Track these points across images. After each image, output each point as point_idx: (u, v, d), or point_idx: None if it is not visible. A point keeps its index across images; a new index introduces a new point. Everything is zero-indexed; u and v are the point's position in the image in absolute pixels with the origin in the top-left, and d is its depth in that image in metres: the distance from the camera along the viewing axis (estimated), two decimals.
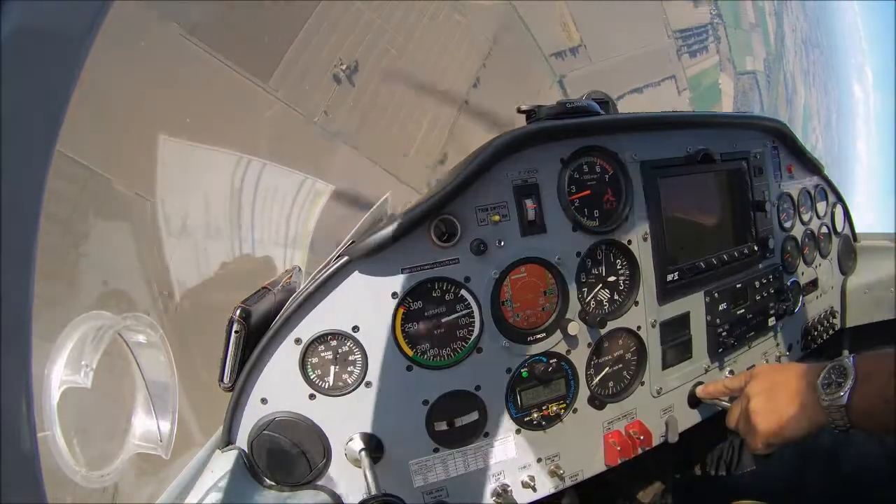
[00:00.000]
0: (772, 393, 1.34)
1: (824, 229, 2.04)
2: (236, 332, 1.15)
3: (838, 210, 2.13)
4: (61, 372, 0.88)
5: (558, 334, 1.34)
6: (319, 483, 1.21)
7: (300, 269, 1.41)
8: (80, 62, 0.70)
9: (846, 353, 1.19)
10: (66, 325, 0.95)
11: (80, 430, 0.98)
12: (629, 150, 1.45)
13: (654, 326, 1.50)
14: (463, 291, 1.25)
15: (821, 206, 2.04)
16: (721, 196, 1.66)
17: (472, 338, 1.27)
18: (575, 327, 1.31)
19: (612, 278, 1.44)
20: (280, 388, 1.17)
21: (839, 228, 2.12)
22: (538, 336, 1.33)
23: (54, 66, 0.62)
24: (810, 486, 1.50)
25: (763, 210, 1.72)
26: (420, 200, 1.20)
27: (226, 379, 1.17)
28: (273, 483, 1.18)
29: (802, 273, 1.92)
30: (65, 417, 0.94)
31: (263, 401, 1.16)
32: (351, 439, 1.19)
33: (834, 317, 2.06)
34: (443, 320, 1.24)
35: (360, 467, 1.16)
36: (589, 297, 1.40)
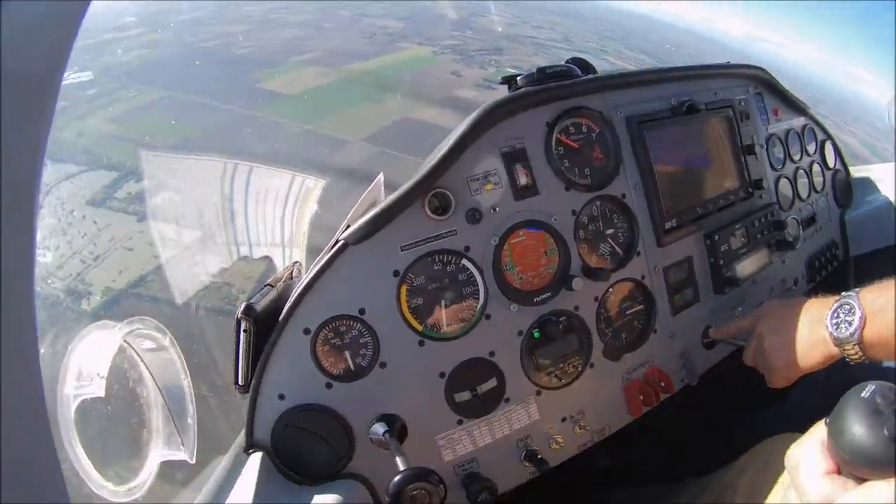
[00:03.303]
0: (783, 330, 1.35)
1: (816, 166, 2.05)
2: (244, 330, 1.14)
3: (828, 147, 2.14)
4: (74, 385, 0.88)
5: (564, 292, 1.35)
6: (349, 472, 1.20)
7: (300, 263, 1.41)
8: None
9: (852, 289, 1.21)
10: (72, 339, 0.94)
11: (101, 444, 0.97)
12: (613, 108, 1.46)
13: (657, 274, 1.50)
14: (464, 261, 1.25)
15: (810, 145, 2.05)
16: (710, 143, 1.67)
17: (479, 305, 1.27)
18: (579, 283, 1.31)
19: (610, 231, 1.44)
20: (295, 381, 1.16)
21: (831, 164, 2.13)
22: (544, 296, 1.33)
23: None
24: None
25: (753, 153, 1.73)
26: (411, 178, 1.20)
27: (240, 380, 1.17)
28: (302, 479, 1.17)
29: (800, 210, 1.93)
30: (84, 432, 0.93)
31: (281, 397, 1.16)
32: (374, 422, 1.19)
33: (836, 248, 2.07)
34: (446, 296, 1.24)
35: (388, 449, 1.15)
36: (589, 253, 1.41)
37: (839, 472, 0.61)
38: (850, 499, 0.57)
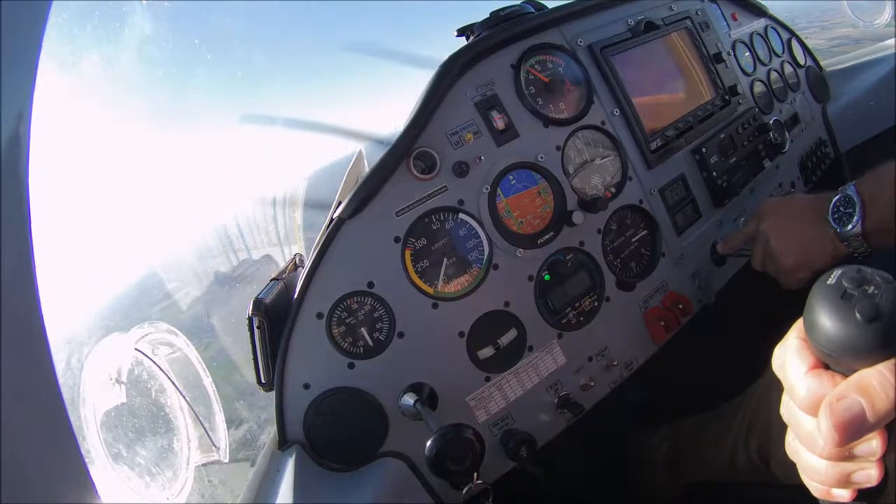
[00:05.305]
0: (786, 228, 1.34)
1: (787, 66, 2.04)
2: (258, 327, 1.13)
3: (795, 44, 2.13)
4: (93, 399, 0.86)
5: (566, 229, 1.34)
6: (386, 450, 1.18)
7: (301, 255, 1.40)
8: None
9: (848, 183, 1.19)
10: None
11: (132, 459, 0.95)
12: (573, 38, 1.47)
13: (654, 196, 1.50)
14: (461, 216, 1.25)
15: (776, 45, 2.04)
16: (677, 58, 1.66)
17: (485, 257, 1.26)
18: (579, 216, 1.30)
19: (598, 161, 1.44)
20: (318, 368, 1.15)
21: (801, 61, 2.12)
22: (547, 236, 1.32)
23: None
24: None
25: (722, 61, 1.73)
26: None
27: (262, 378, 1.15)
28: (340, 466, 1.15)
29: (780, 111, 1.92)
30: (113, 449, 0.92)
31: (306, 386, 1.14)
32: (402, 395, 1.17)
33: (825, 146, 2.06)
34: (451, 254, 1.23)
35: (421, 420, 1.13)
36: (582, 185, 1.40)
37: (826, 366, 0.56)
38: (837, 392, 0.52)
